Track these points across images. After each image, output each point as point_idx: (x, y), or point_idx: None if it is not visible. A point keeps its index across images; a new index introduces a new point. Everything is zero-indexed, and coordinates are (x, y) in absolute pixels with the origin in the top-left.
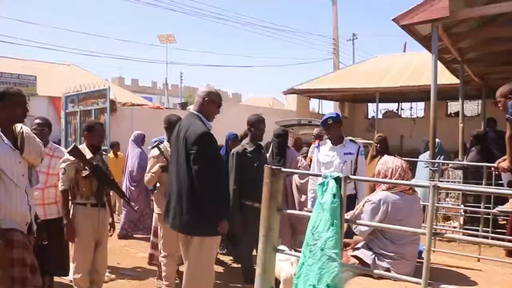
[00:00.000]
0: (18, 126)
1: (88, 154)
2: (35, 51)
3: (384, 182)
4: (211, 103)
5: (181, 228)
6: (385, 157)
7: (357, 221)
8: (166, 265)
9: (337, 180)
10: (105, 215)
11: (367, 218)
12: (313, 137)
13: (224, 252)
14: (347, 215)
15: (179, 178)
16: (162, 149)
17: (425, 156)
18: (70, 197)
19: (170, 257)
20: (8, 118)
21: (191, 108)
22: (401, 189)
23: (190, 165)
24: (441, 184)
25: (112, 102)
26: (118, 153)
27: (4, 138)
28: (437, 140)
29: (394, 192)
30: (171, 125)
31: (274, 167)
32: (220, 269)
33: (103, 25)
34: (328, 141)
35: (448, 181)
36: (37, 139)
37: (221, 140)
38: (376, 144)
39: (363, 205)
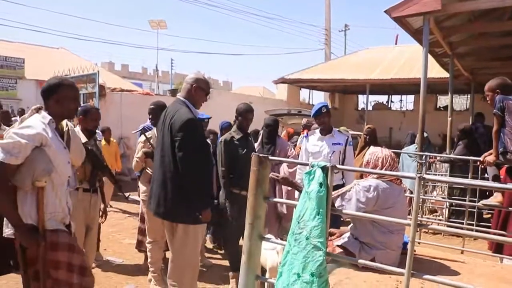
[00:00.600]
0: (63, 122)
1: (83, 138)
2: (23, 33)
3: (372, 173)
4: (199, 90)
5: (164, 215)
6: (372, 147)
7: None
8: (151, 251)
9: (324, 169)
10: (96, 201)
11: (355, 199)
12: (301, 126)
13: (209, 235)
14: (334, 193)
15: (164, 165)
16: (149, 135)
17: (410, 149)
18: None
19: (155, 243)
20: (61, 113)
21: (179, 94)
22: (390, 179)
23: (175, 152)
24: (427, 176)
25: (101, 87)
26: (111, 139)
27: (57, 134)
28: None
29: (383, 180)
30: (154, 110)
31: (261, 155)
32: (206, 256)
33: (93, 9)
34: (317, 131)
35: (435, 175)
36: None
37: (211, 127)
38: (365, 135)
39: (352, 188)
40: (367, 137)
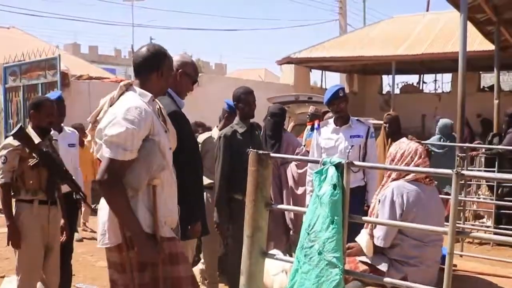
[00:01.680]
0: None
1: (35, 139)
2: None
3: (398, 170)
4: (185, 76)
5: None
6: (403, 138)
7: (373, 222)
8: None
9: (339, 167)
10: (56, 214)
11: (386, 219)
12: (308, 116)
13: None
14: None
15: None
16: None
17: (434, 140)
18: (12, 193)
19: None
20: (161, 89)
21: None
22: (416, 178)
23: None
24: (466, 172)
25: (64, 75)
26: (85, 140)
27: (159, 116)
28: (446, 120)
29: (407, 180)
30: None
31: (260, 151)
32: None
33: None
34: (331, 121)
35: (480, 171)
36: None
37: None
38: (385, 124)
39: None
40: (387, 126)
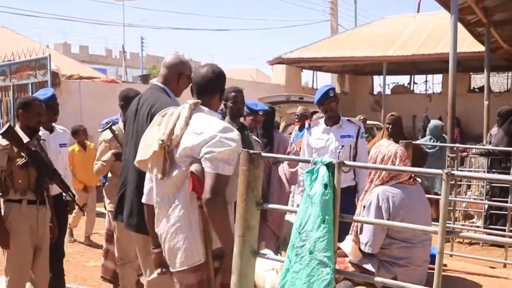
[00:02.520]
0: None
1: (24, 138)
2: None
3: (390, 170)
4: (186, 78)
5: (139, 228)
6: (383, 140)
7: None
8: (122, 275)
9: (330, 166)
10: (45, 214)
11: (372, 227)
12: (296, 117)
13: None
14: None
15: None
16: (117, 132)
17: (424, 141)
18: (0, 193)
19: (128, 265)
20: (218, 107)
21: (155, 80)
22: (400, 181)
23: None
24: (456, 172)
25: (55, 75)
26: (87, 142)
27: None
28: (437, 121)
29: (391, 185)
30: (128, 102)
31: (251, 151)
32: None
33: None
34: (321, 121)
35: (470, 171)
36: None
37: None
38: (388, 125)
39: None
40: (390, 127)
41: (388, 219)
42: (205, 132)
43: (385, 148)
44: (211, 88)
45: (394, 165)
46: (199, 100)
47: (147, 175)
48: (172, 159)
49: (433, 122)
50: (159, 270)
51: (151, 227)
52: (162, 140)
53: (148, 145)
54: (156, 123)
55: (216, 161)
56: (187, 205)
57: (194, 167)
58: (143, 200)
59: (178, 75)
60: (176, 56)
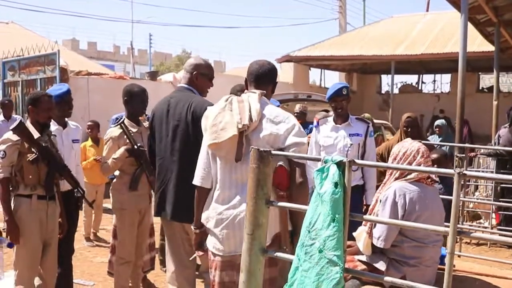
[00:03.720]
0: None
1: (34, 134)
2: None
3: (399, 169)
4: (202, 76)
5: (187, 218)
6: (407, 139)
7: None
8: (119, 272)
9: (340, 165)
10: (54, 210)
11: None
12: (294, 115)
13: None
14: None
15: (182, 161)
16: (125, 128)
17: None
18: (11, 188)
19: (125, 265)
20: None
21: (181, 82)
22: (418, 178)
23: (200, 144)
24: (468, 172)
25: (63, 70)
26: (100, 137)
27: None
28: (442, 121)
29: (409, 181)
30: (132, 96)
31: (262, 149)
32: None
33: None
34: (330, 119)
35: (478, 171)
36: None
37: None
38: (404, 127)
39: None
40: (408, 129)
41: (403, 215)
42: (284, 121)
43: (408, 143)
44: (267, 79)
45: (415, 160)
46: (264, 91)
47: (203, 160)
48: (248, 144)
49: (441, 120)
50: (200, 253)
51: (200, 208)
52: (243, 125)
53: (221, 128)
54: (227, 108)
55: (304, 150)
56: None
57: (282, 162)
58: (197, 183)
59: (194, 75)
60: (192, 58)
